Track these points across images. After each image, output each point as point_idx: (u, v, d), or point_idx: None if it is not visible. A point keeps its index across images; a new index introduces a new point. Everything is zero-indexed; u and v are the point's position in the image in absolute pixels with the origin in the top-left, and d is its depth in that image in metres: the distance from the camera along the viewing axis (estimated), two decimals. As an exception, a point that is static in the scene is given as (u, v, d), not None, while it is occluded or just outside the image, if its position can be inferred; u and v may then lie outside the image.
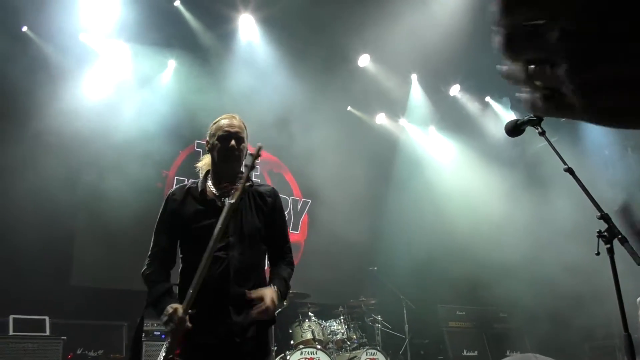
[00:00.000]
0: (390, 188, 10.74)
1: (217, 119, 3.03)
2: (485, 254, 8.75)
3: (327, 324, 7.19)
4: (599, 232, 2.38)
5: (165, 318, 2.65)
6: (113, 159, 7.90)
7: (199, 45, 8.94)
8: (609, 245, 2.36)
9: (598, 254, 2.45)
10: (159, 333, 6.68)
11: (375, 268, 8.90)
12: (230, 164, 2.92)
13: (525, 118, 2.77)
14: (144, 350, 6.11)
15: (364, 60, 9.97)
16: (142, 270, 2.92)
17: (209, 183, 3.00)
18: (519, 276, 8.51)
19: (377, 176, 10.81)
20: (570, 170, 2.52)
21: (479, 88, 10.98)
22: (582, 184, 2.47)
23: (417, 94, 10.90)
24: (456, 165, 11.03)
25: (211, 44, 8.99)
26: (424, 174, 10.87)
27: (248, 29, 9.02)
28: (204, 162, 3.12)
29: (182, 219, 2.92)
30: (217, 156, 2.94)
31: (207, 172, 3.05)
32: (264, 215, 2.99)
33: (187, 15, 8.66)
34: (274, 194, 3.10)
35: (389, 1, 8.42)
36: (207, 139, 3.02)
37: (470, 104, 11.21)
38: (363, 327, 7.88)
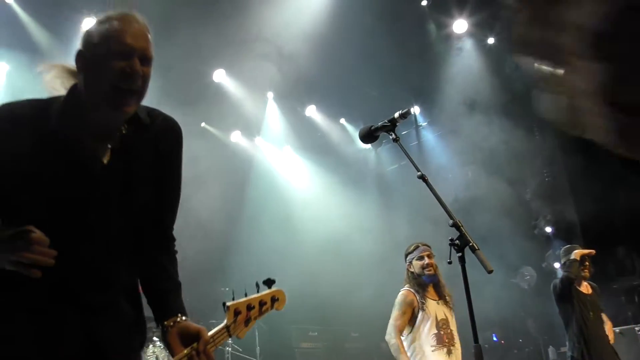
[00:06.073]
0: (243, 207, 10.50)
1: (101, 18, 1.77)
2: (334, 272, 8.79)
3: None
4: (451, 240, 2.34)
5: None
6: None
7: (37, 48, 8.11)
8: (460, 254, 2.32)
9: (450, 262, 2.40)
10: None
11: (227, 289, 8.56)
12: (120, 109, 1.74)
13: (379, 124, 2.69)
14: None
15: (219, 76, 9.72)
16: None
17: (60, 122, 1.75)
18: (367, 295, 8.63)
19: (229, 195, 10.50)
20: (423, 177, 2.46)
21: (334, 110, 11.18)
22: (435, 191, 2.42)
23: (273, 113, 10.83)
24: (310, 186, 11.10)
25: (51, 48, 8.20)
26: (278, 193, 10.79)
27: (93, 34, 8.38)
28: (57, 74, 1.85)
29: (14, 177, 1.70)
30: (96, 88, 1.72)
31: (68, 100, 1.77)
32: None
33: (22, 14, 7.85)
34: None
35: (244, 17, 8.28)
36: (82, 47, 1.76)
37: (325, 125, 11.36)
38: (212, 351, 7.51)
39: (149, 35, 1.79)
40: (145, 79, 1.75)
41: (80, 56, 1.75)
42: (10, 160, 1.70)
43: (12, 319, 1.71)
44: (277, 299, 2.07)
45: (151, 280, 1.97)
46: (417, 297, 4.59)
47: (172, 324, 1.87)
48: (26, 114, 1.73)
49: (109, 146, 1.79)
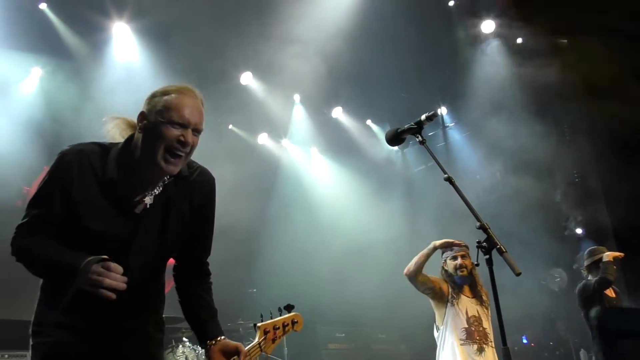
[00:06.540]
0: (270, 210, 10.55)
1: (166, 89, 2.16)
2: (361, 273, 8.78)
3: (202, 350, 6.80)
4: (478, 242, 2.33)
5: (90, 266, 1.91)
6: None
7: (69, 53, 8.29)
8: (488, 256, 2.31)
9: (477, 264, 2.39)
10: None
11: (255, 290, 8.63)
12: (169, 168, 2.10)
13: (406, 126, 2.70)
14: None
15: (246, 78, 9.79)
16: (11, 242, 2.10)
17: (116, 169, 2.14)
18: (394, 296, 8.60)
19: (257, 198, 10.57)
20: (449, 179, 2.46)
21: (360, 111, 11.17)
22: (462, 193, 2.41)
23: (299, 115, 10.87)
24: (337, 187, 11.10)
25: (82, 53, 8.37)
26: (305, 195, 10.81)
27: (123, 39, 8.51)
28: (118, 125, 2.28)
29: (74, 208, 2.06)
30: (152, 147, 2.08)
31: (122, 150, 2.16)
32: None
33: (55, 20, 8.02)
34: None
35: (272, 19, 8.33)
36: (145, 109, 2.13)
37: (352, 127, 11.36)
38: (241, 351, 7.58)
39: (203, 109, 2.17)
40: (192, 147, 2.13)
41: (143, 117, 2.13)
42: (71, 195, 2.04)
43: (69, 335, 2.08)
44: (297, 322, 2.55)
45: (192, 309, 2.36)
46: (451, 291, 4.62)
47: (214, 342, 2.28)
48: (89, 157, 2.10)
49: (152, 193, 2.16)
